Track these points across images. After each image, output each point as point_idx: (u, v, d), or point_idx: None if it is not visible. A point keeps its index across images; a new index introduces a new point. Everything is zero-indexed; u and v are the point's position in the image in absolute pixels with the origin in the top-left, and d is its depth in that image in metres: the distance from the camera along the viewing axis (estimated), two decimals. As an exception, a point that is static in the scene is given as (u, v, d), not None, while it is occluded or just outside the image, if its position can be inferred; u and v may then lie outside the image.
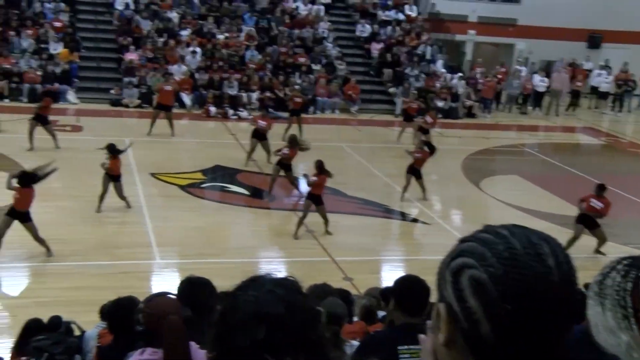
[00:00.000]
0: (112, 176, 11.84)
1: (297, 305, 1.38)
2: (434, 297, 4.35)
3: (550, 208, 14.57)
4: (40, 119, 15.22)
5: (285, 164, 13.52)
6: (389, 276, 10.28)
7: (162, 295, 3.03)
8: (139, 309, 2.91)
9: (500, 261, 1.13)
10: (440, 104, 23.51)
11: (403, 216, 13.74)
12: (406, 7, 27.55)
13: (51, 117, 15.70)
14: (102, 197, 11.85)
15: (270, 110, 19.10)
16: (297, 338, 1.35)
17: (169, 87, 17.88)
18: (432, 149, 14.51)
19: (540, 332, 1.12)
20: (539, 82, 26.25)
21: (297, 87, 20.44)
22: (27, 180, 9.67)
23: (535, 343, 1.12)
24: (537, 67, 29.10)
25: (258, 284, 1.41)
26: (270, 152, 15.16)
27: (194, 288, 3.90)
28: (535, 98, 26.47)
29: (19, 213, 9.63)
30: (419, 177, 14.11)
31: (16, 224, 9.74)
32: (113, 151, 11.88)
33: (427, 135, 17.89)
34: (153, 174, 14.37)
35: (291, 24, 25.23)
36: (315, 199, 11.59)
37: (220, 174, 15.25)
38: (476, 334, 1.13)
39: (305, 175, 11.88)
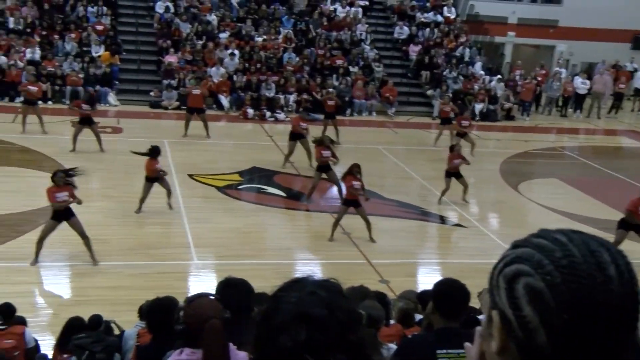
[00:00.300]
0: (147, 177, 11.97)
1: (339, 307, 1.37)
2: (472, 302, 4.29)
3: (591, 212, 14.32)
4: (86, 121, 15.44)
5: (324, 166, 13.49)
6: (426, 279, 10.23)
7: (204, 296, 3.04)
8: (180, 308, 2.93)
9: (559, 269, 1.09)
10: (478, 106, 23.30)
11: (440, 219, 13.64)
12: (445, 8, 27.37)
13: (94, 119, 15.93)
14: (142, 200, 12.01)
15: (309, 113, 19.14)
16: (338, 339, 1.35)
17: (197, 91, 18.05)
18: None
19: (599, 343, 1.08)
20: (580, 85, 25.83)
21: (331, 90, 20.44)
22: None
23: (594, 354, 1.08)
24: (578, 69, 28.64)
25: (300, 286, 1.41)
26: (311, 152, 15.14)
27: (232, 289, 3.93)
28: (576, 100, 26.06)
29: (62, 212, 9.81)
30: (459, 177, 13.99)
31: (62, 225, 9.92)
32: (152, 152, 11.98)
33: (467, 137, 17.71)
34: (191, 176, 14.51)
35: (329, 26, 25.26)
36: (351, 203, 11.54)
37: (257, 175, 15.33)
38: (531, 343, 1.10)
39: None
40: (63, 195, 9.88)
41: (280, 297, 1.40)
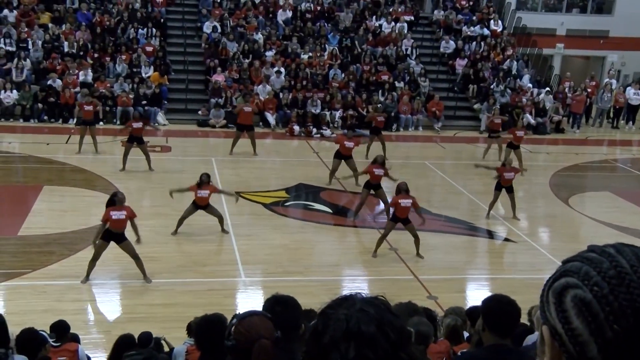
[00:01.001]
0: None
1: (388, 324, 1.37)
2: (524, 318, 4.22)
3: (646, 226, 13.96)
4: (135, 139, 15.76)
5: (374, 184, 13.43)
6: (475, 295, 10.08)
7: (257, 314, 3.05)
8: (232, 324, 2.94)
9: (606, 279, 1.07)
10: (529, 118, 22.98)
11: (489, 234, 13.45)
12: (491, 22, 27.16)
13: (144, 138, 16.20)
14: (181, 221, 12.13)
15: (355, 129, 19.17)
16: (388, 357, 1.34)
17: (248, 109, 18.22)
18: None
19: None
20: (633, 95, 25.28)
21: (379, 105, 20.42)
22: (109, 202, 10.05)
23: None
24: (630, 79, 28.04)
25: (349, 303, 1.41)
26: (357, 171, 15.13)
27: (280, 306, 3.93)
28: (628, 112, 25.49)
29: (115, 235, 10.02)
30: (510, 191, 13.78)
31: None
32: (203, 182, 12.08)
33: (517, 151, 17.41)
34: (238, 193, 14.64)
35: (374, 42, 25.31)
36: (400, 220, 11.47)
37: (304, 192, 15.38)
38: (583, 357, 1.08)
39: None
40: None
41: (329, 315, 1.40)
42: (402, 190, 11.39)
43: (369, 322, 1.35)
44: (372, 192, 13.53)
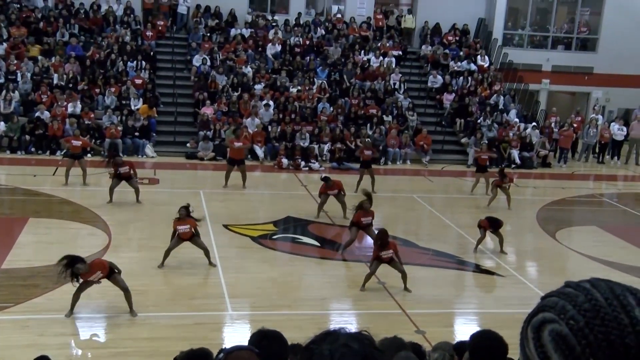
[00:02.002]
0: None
1: None
2: (511, 353, 4.18)
3: (633, 261, 14.00)
4: (125, 177, 15.66)
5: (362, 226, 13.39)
6: (463, 329, 10.04)
7: (244, 349, 3.02)
8: (218, 359, 2.91)
9: (581, 313, 1.09)
10: (516, 153, 23.16)
11: (477, 268, 13.45)
12: (478, 57, 27.51)
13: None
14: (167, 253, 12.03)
15: (343, 162, 19.20)
16: None
17: (238, 144, 18.26)
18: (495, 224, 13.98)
19: None
20: (617, 131, 25.57)
21: (367, 140, 20.54)
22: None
23: None
24: (614, 115, 28.40)
25: (333, 338, 1.40)
26: (346, 206, 15.13)
27: (267, 341, 3.90)
28: (613, 147, 25.76)
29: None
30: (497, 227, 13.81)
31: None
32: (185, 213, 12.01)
33: (504, 189, 17.41)
34: (226, 226, 14.60)
35: (363, 76, 25.54)
36: (384, 261, 11.46)
37: (292, 225, 15.36)
38: None
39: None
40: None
41: (313, 350, 1.39)
42: (382, 241, 11.36)
43: (353, 358, 1.34)
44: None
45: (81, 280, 9.68)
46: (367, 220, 13.27)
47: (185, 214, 11.90)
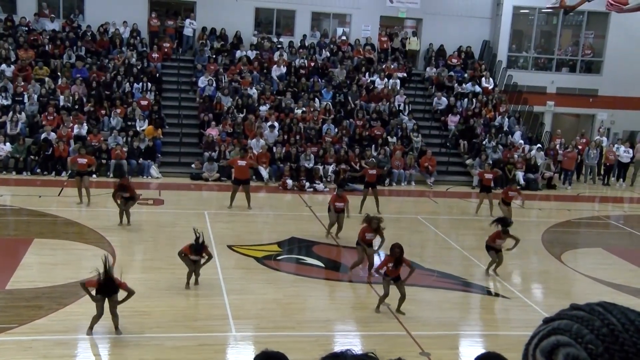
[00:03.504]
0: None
1: None
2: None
3: (639, 283, 13.92)
4: (128, 198, 15.61)
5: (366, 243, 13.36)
6: (468, 352, 9.97)
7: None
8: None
9: (600, 338, 1.07)
10: (521, 174, 23.16)
11: (482, 290, 13.37)
12: (483, 79, 27.60)
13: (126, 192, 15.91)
14: (189, 275, 12.03)
15: (348, 184, 19.21)
16: None
17: (242, 163, 18.23)
18: (504, 224, 13.90)
19: None
20: (623, 153, 25.56)
21: (371, 160, 20.58)
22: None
23: None
24: (619, 137, 28.40)
25: None
26: (342, 227, 15.24)
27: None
28: (619, 169, 25.73)
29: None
30: (498, 251, 13.76)
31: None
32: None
33: (509, 208, 17.49)
34: (230, 247, 14.58)
35: (367, 97, 25.64)
36: (392, 279, 11.41)
37: (297, 246, 15.33)
38: None
39: (377, 271, 11.78)
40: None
41: (321, 373, 1.39)
42: (394, 252, 11.33)
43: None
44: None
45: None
46: (370, 237, 13.23)
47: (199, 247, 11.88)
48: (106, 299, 9.85)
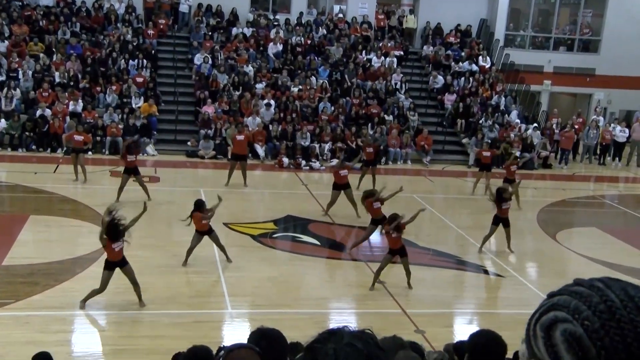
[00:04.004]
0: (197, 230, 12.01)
1: (376, 359, 1.36)
2: (510, 354, 4.17)
3: (634, 262, 14.00)
4: (132, 171, 15.63)
5: (379, 219, 13.37)
6: (462, 330, 10.04)
7: (244, 347, 3.01)
8: (219, 356, 2.91)
9: (597, 314, 1.07)
10: (518, 153, 23.12)
11: (477, 268, 13.44)
12: (480, 58, 27.50)
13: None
14: (189, 251, 12.03)
15: (345, 162, 19.19)
16: None
17: (241, 137, 18.19)
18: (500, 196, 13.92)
19: None
20: (619, 133, 25.57)
21: (368, 137, 20.58)
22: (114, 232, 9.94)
23: None
24: (616, 117, 28.40)
25: (337, 337, 1.40)
26: (356, 203, 15.13)
27: (265, 340, 3.90)
28: (615, 149, 25.76)
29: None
30: (506, 226, 13.79)
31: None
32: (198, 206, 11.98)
33: (514, 184, 17.42)
34: (226, 224, 14.59)
35: (364, 76, 25.54)
36: (396, 252, 11.46)
37: (292, 224, 15.35)
38: None
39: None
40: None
41: (317, 349, 1.38)
42: (390, 220, 11.40)
43: (358, 357, 1.34)
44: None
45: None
46: (377, 206, 13.26)
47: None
48: (119, 271, 9.93)
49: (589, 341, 1.05)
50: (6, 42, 23.43)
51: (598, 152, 25.93)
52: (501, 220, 13.71)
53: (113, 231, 9.81)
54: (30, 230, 13.51)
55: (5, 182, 17.35)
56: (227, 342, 8.32)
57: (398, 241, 11.38)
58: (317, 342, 1.40)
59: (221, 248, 12.17)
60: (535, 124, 24.98)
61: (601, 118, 27.11)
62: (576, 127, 25.58)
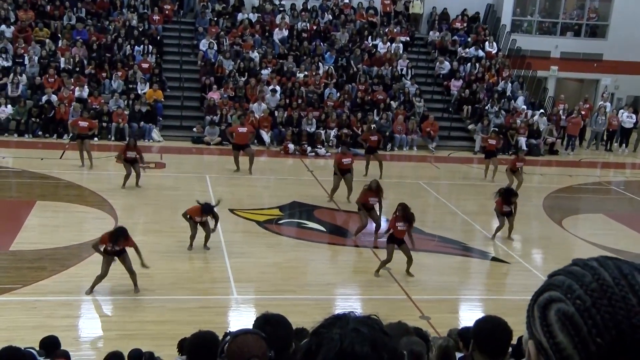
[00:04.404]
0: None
1: (382, 345, 1.36)
2: (515, 340, 4.17)
3: None
4: (132, 161, 15.59)
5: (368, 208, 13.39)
6: (468, 316, 10.06)
7: (250, 333, 3.02)
8: (225, 342, 2.92)
9: (588, 293, 1.08)
10: (523, 140, 23.05)
11: (483, 255, 13.45)
12: (486, 44, 27.35)
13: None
14: (192, 237, 12.08)
15: (350, 148, 19.18)
16: None
17: (242, 129, 18.19)
18: (508, 194, 13.90)
19: None
20: (626, 119, 25.44)
21: (373, 126, 20.54)
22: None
23: None
24: (623, 102, 28.25)
25: (342, 322, 1.39)
26: (352, 188, 15.16)
27: (270, 325, 3.91)
28: (622, 135, 25.64)
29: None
30: (510, 215, 13.78)
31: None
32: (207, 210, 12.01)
33: (516, 174, 17.36)
34: (232, 210, 14.62)
35: (370, 61, 25.44)
36: (395, 241, 11.47)
37: (298, 210, 15.37)
38: None
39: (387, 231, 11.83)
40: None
41: (323, 334, 1.38)
42: (398, 212, 11.42)
43: (363, 342, 1.33)
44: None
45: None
46: (373, 201, 13.27)
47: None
48: (117, 260, 9.97)
49: (581, 320, 1.06)
50: (12, 27, 23.41)
51: (605, 138, 25.82)
52: (504, 213, 13.71)
53: (115, 236, 9.94)
54: (37, 215, 13.57)
55: (12, 168, 17.40)
56: (233, 327, 8.36)
57: (403, 233, 11.40)
58: (322, 327, 1.40)
59: (207, 236, 12.17)
60: (542, 110, 24.87)
61: (608, 104, 26.97)
62: (583, 113, 25.46)
